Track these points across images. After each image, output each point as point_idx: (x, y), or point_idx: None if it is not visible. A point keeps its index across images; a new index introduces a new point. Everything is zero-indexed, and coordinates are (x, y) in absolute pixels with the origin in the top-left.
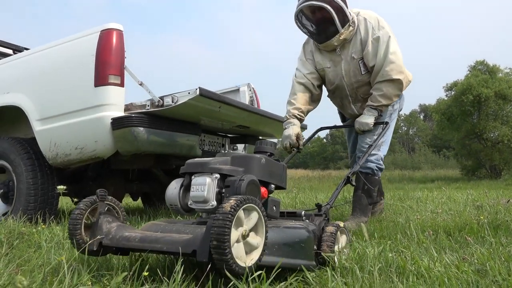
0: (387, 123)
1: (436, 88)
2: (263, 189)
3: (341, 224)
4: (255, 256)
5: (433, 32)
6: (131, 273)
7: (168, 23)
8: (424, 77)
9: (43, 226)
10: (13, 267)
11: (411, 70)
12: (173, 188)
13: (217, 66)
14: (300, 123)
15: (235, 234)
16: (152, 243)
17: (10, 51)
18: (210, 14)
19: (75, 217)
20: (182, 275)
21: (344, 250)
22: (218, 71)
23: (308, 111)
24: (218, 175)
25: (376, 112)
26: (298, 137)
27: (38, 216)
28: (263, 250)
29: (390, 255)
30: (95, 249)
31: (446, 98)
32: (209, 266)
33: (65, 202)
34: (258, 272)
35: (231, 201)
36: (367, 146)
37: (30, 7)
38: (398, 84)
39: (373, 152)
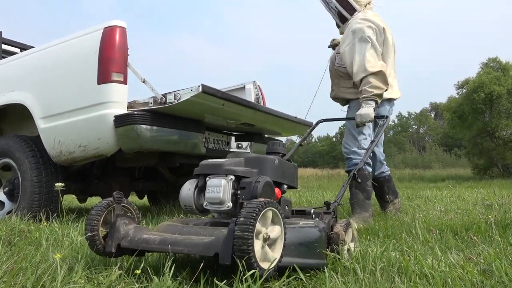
0: (387, 117)
1: (447, 86)
2: (276, 190)
3: (350, 221)
4: (268, 265)
5: (444, 28)
6: (126, 270)
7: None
8: (435, 75)
9: (45, 223)
10: (10, 264)
11: (422, 66)
12: (188, 189)
13: (224, 65)
14: None
15: (258, 227)
16: (173, 246)
17: (17, 50)
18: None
19: (91, 221)
20: (174, 273)
21: (352, 247)
22: (225, 69)
23: None
24: (233, 177)
25: (373, 102)
26: None
27: (42, 214)
28: (277, 263)
29: (393, 254)
30: (113, 251)
31: (457, 96)
32: (202, 264)
33: (66, 199)
34: (251, 271)
35: (260, 199)
36: (351, 144)
37: (38, 5)
38: (382, 76)
39: (357, 149)
